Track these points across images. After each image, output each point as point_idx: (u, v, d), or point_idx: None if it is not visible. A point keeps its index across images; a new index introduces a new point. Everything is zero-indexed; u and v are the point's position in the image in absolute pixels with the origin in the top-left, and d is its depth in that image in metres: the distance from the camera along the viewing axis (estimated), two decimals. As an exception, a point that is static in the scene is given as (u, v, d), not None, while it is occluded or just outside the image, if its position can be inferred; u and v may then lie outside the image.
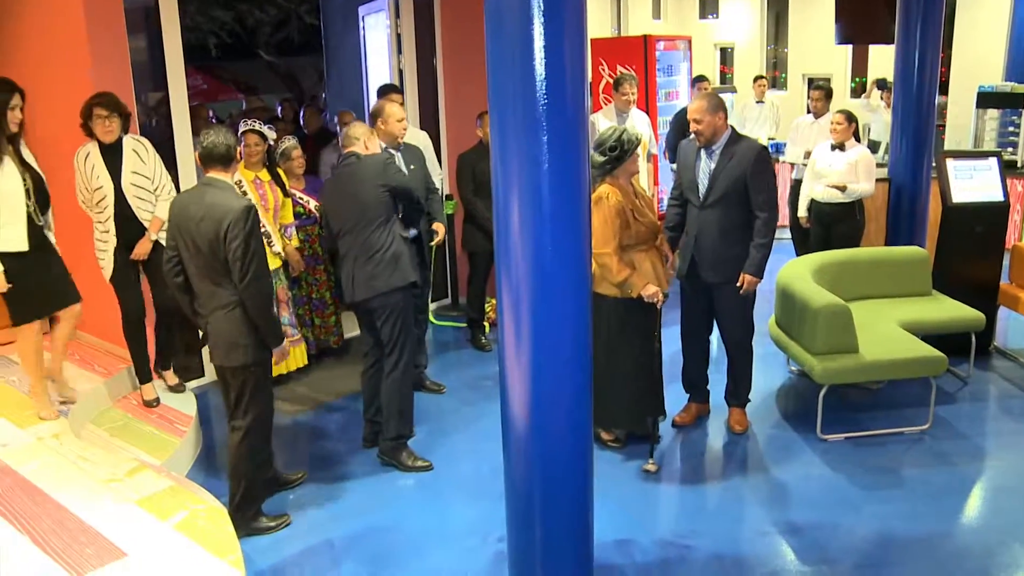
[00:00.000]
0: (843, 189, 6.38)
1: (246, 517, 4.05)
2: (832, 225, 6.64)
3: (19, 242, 4.38)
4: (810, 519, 4.18)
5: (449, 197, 7.25)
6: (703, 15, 15.97)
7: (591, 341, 3.30)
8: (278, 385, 5.74)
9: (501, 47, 2.97)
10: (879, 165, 7.22)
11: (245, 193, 5.34)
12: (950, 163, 6.14)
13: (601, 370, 4.23)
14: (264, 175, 5.54)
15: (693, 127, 4.74)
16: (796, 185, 7.44)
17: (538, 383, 3.20)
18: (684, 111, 8.28)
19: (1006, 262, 6.30)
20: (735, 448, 4.99)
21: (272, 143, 5.61)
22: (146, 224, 4.88)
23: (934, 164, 6.53)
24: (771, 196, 4.71)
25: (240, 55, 20.07)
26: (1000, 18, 11.23)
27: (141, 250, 4.88)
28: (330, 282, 6.19)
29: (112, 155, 4.79)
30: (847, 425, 5.13)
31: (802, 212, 6.91)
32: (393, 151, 5.21)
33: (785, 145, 8.35)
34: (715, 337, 5.19)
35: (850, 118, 6.47)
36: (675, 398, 5.29)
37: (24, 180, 4.38)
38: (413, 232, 5.18)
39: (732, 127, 4.80)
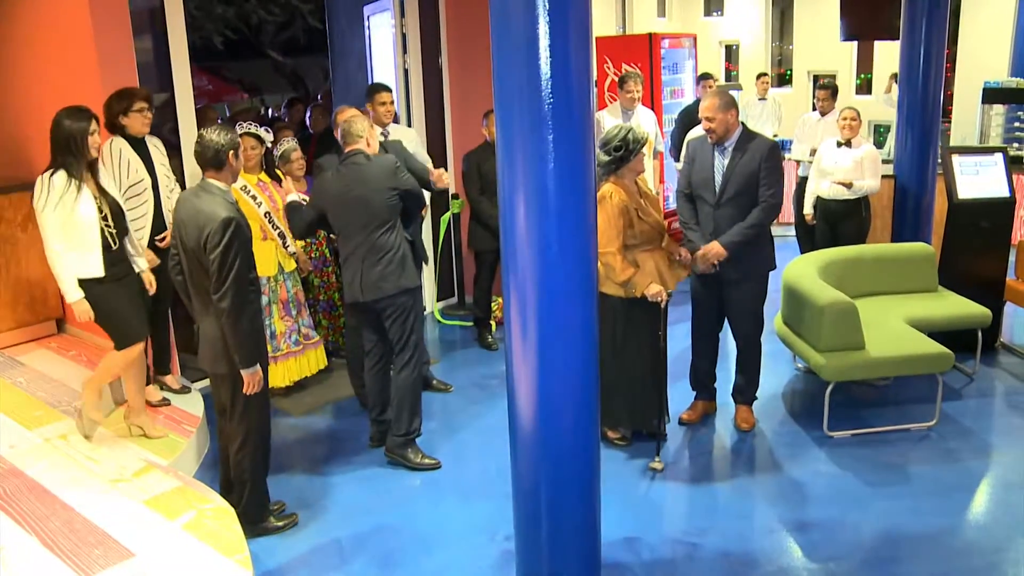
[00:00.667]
0: (849, 186, 6.38)
1: (253, 519, 4.04)
2: (838, 222, 6.63)
3: (96, 268, 4.37)
4: (817, 516, 4.18)
5: (455, 196, 7.26)
6: (708, 12, 15.96)
7: (598, 339, 3.30)
8: (300, 391, 5.77)
9: (506, 45, 2.98)
10: (885, 161, 7.21)
11: (254, 198, 5.34)
12: (956, 159, 6.13)
13: (607, 369, 4.22)
14: (265, 177, 5.53)
15: (705, 125, 4.74)
16: (802, 182, 7.44)
17: (545, 382, 3.21)
18: (688, 109, 8.33)
19: (1012, 258, 6.28)
20: (742, 446, 4.99)
21: (270, 145, 5.58)
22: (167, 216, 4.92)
23: (940, 160, 6.52)
24: (778, 191, 4.71)
25: (245, 55, 20.10)
26: (1005, 14, 11.21)
27: (166, 243, 4.86)
28: (339, 283, 6.19)
29: (141, 149, 4.86)
30: (854, 422, 5.12)
31: (807, 209, 6.90)
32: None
33: (790, 142, 8.34)
34: (722, 335, 5.18)
35: (859, 115, 6.47)
36: (682, 396, 5.29)
37: (101, 207, 4.38)
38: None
39: (743, 124, 4.80)
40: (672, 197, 8.48)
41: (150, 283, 4.69)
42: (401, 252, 4.61)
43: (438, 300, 7.51)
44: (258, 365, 3.81)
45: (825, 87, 7.74)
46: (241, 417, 3.91)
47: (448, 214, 7.28)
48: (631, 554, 3.91)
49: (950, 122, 11.21)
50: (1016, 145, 9.55)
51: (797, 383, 5.84)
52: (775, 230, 5.48)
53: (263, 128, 5.55)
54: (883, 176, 6.65)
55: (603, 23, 12.77)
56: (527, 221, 3.06)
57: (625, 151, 4.56)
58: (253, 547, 3.76)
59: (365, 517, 4.30)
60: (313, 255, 6.02)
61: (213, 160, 3.76)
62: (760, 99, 10.43)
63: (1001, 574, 3.72)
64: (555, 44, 2.88)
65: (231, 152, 3.78)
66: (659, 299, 4.54)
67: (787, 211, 8.37)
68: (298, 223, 4.80)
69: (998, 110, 9.88)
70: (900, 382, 5.62)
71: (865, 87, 13.24)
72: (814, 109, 7.97)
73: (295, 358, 5.62)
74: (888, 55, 11.13)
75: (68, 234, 4.27)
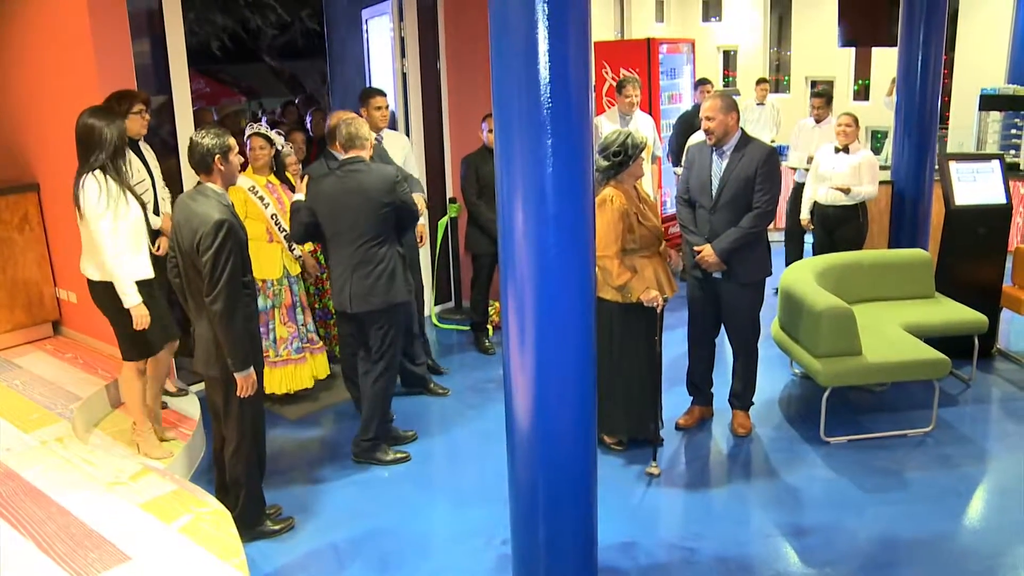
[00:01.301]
0: (848, 191, 6.39)
1: (250, 523, 4.04)
2: (835, 228, 6.64)
3: (147, 270, 4.34)
4: (814, 521, 4.18)
5: (453, 200, 7.26)
6: (706, 18, 15.96)
7: (595, 344, 3.30)
8: (304, 400, 5.73)
9: (505, 50, 2.98)
10: (882, 167, 7.23)
11: (262, 199, 5.31)
12: (953, 166, 6.14)
13: (603, 374, 4.22)
14: (274, 179, 5.52)
15: (705, 124, 4.75)
16: (798, 189, 7.45)
17: (542, 386, 3.20)
18: (686, 115, 8.34)
19: (1009, 264, 6.29)
20: (738, 451, 4.99)
21: (280, 148, 5.54)
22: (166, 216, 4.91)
23: (937, 167, 6.54)
24: (774, 196, 4.73)
25: (243, 59, 20.09)
26: (1003, 20, 11.22)
27: (165, 246, 4.85)
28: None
29: (138, 152, 4.86)
30: (850, 427, 5.13)
31: (804, 215, 6.91)
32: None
33: (787, 149, 8.35)
34: (719, 340, 5.19)
35: (856, 121, 6.49)
36: (678, 401, 5.29)
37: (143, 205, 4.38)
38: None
39: (742, 129, 4.81)
40: (670, 202, 8.49)
41: (160, 246, 4.70)
42: (392, 266, 4.61)
43: (435, 304, 7.51)
44: (251, 368, 3.80)
45: (820, 95, 7.78)
46: (235, 420, 3.90)
47: (446, 218, 7.28)
48: (628, 559, 3.91)
49: (947, 128, 11.22)
50: (1013, 152, 9.55)
51: (794, 388, 5.85)
52: (772, 236, 5.49)
53: (274, 131, 5.53)
54: (880, 182, 6.66)
55: (601, 28, 12.76)
56: (525, 225, 3.06)
57: (625, 156, 4.57)
58: (249, 551, 3.75)
59: (362, 521, 4.29)
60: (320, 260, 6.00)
61: (200, 164, 3.76)
62: (758, 104, 10.45)
63: (997, 580, 3.73)
64: (554, 48, 2.88)
65: (219, 156, 3.76)
66: (655, 304, 4.54)
67: (780, 219, 8.38)
68: (295, 226, 4.78)
69: (995, 117, 9.89)
70: (897, 388, 5.63)
71: (863, 93, 13.24)
72: (811, 115, 7.98)
73: (295, 366, 5.56)
74: (886, 61, 11.13)
75: (122, 236, 4.23)
